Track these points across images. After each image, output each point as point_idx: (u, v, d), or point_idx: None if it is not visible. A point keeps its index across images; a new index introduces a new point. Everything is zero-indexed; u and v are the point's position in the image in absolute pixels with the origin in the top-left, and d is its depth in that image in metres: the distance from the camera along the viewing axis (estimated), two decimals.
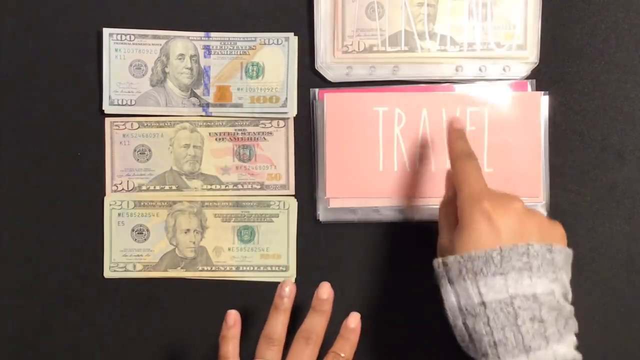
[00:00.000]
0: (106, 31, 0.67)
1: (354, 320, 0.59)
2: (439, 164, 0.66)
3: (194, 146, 0.68)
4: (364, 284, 0.67)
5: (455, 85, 0.66)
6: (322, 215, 0.67)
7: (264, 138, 0.67)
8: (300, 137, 0.67)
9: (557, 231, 0.54)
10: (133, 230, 0.68)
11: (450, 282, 0.51)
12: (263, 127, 0.67)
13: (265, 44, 0.67)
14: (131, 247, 0.68)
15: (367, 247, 0.67)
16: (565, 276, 0.52)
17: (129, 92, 0.67)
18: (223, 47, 0.67)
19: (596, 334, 0.66)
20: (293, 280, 0.66)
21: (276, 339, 0.57)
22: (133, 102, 0.67)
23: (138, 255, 0.68)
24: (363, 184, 0.66)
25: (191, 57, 0.67)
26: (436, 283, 0.53)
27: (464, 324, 0.50)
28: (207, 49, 0.67)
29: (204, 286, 0.68)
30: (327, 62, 0.66)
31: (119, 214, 0.68)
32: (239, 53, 0.67)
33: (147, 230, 0.68)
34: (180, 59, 0.67)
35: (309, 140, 0.67)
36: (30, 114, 0.68)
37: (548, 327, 0.49)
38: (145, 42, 0.67)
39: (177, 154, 0.68)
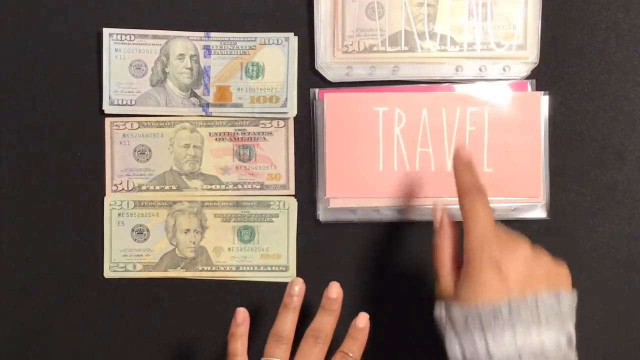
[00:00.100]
0: (106, 31, 0.67)
1: (362, 320, 0.59)
2: (439, 164, 0.66)
3: (194, 146, 0.68)
4: (364, 284, 0.67)
5: (455, 85, 0.66)
6: (322, 215, 0.67)
7: (264, 138, 0.67)
8: (300, 137, 0.67)
9: (563, 274, 0.53)
10: (133, 230, 0.68)
11: (455, 332, 0.50)
12: (263, 127, 0.67)
13: (265, 44, 0.67)
14: (131, 247, 0.68)
15: (367, 247, 0.67)
16: (571, 323, 0.51)
17: (129, 92, 0.67)
18: (223, 47, 0.67)
19: (596, 334, 0.66)
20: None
21: (285, 337, 0.57)
22: (133, 102, 0.67)
23: (138, 255, 0.68)
24: (363, 184, 0.66)
25: (191, 57, 0.67)
26: (438, 330, 0.52)
27: None
28: (207, 49, 0.67)
29: (204, 286, 0.68)
30: (327, 62, 0.66)
31: (119, 214, 0.68)
32: (239, 53, 0.67)
33: (147, 230, 0.68)
34: (180, 59, 0.67)
35: (309, 140, 0.67)
36: (30, 114, 0.68)
37: None
38: (145, 42, 0.67)
39: (177, 154, 0.68)
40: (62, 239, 0.68)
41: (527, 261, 0.51)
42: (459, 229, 0.54)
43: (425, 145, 0.66)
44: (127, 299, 0.68)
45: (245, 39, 0.67)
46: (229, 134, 0.67)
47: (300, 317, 0.58)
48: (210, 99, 0.67)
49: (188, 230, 0.67)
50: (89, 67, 0.67)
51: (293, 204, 0.67)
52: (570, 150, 0.67)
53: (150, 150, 0.68)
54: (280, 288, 0.64)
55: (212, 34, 0.67)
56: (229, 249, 0.67)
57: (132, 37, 0.67)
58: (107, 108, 0.67)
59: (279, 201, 0.67)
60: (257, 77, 0.67)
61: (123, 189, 0.68)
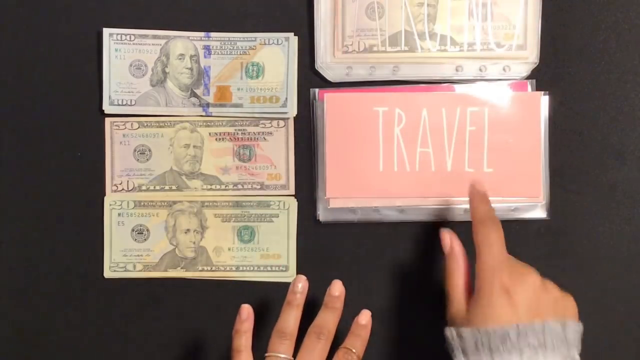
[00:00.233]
0: (106, 31, 0.67)
1: (365, 317, 0.60)
2: (439, 164, 0.66)
3: (194, 146, 0.68)
4: (364, 284, 0.67)
5: (455, 85, 0.66)
6: (322, 215, 0.67)
7: (264, 138, 0.67)
8: (300, 137, 0.67)
9: (570, 304, 0.55)
10: (133, 230, 0.68)
11: (465, 354, 0.53)
12: (263, 127, 0.67)
13: (265, 44, 0.67)
14: (131, 247, 0.68)
15: (367, 247, 0.67)
16: (576, 351, 0.53)
17: (129, 92, 0.67)
18: (223, 47, 0.67)
19: (596, 334, 0.66)
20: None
21: (289, 333, 0.58)
22: (133, 102, 0.67)
23: (138, 255, 0.68)
24: (363, 184, 0.66)
25: (191, 57, 0.67)
26: (448, 351, 0.54)
27: None
28: (207, 49, 0.67)
29: (204, 286, 0.68)
30: (327, 62, 0.66)
31: (119, 214, 0.68)
32: (239, 53, 0.67)
33: (147, 230, 0.68)
34: (180, 59, 0.67)
35: (309, 140, 0.67)
36: (30, 113, 0.68)
37: None
38: (145, 42, 0.67)
39: (177, 154, 0.68)
40: (62, 239, 0.68)
41: (535, 290, 0.54)
42: (471, 255, 0.56)
43: (425, 146, 0.66)
44: (127, 299, 0.68)
45: (245, 39, 0.67)
46: (229, 134, 0.67)
47: (302, 315, 0.59)
48: (210, 99, 0.67)
49: (188, 230, 0.67)
50: (89, 67, 0.67)
51: (293, 204, 0.67)
52: (570, 150, 0.67)
53: (150, 150, 0.68)
54: (280, 288, 0.64)
55: (212, 34, 0.67)
56: (229, 249, 0.67)
57: (132, 37, 0.67)
58: (107, 108, 0.67)
59: (279, 201, 0.67)
60: (257, 77, 0.67)
61: (123, 189, 0.68)
